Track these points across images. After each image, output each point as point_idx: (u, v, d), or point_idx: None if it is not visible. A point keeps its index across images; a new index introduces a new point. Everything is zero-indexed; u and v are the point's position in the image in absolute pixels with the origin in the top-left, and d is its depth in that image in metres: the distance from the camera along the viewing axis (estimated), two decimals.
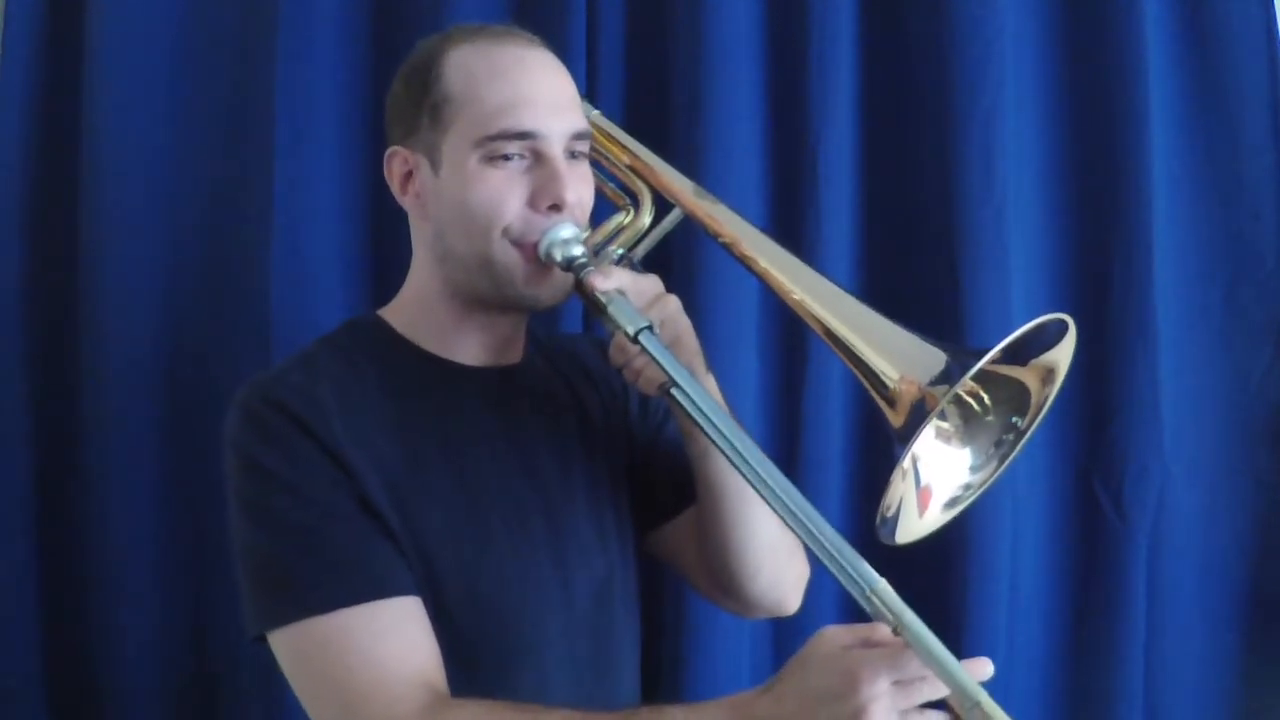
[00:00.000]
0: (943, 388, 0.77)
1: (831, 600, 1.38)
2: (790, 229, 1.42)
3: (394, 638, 0.86)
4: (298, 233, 1.39)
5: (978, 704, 0.68)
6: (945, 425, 0.90)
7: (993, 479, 0.91)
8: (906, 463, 0.87)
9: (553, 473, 1.02)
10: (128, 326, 1.42)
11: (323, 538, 0.88)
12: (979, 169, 1.41)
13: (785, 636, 1.44)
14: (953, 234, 1.42)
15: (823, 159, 1.43)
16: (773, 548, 1.04)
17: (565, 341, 1.21)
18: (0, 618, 1.43)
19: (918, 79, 1.47)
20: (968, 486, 0.91)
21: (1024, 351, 0.85)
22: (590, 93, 1.43)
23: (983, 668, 0.72)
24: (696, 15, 1.42)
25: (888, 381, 0.82)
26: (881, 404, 0.83)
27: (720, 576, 1.07)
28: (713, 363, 1.04)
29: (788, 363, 1.46)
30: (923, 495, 0.89)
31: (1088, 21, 1.48)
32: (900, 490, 0.87)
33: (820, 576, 1.07)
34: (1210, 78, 1.49)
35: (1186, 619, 1.47)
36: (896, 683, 0.71)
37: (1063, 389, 0.89)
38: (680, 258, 1.40)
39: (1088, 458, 1.47)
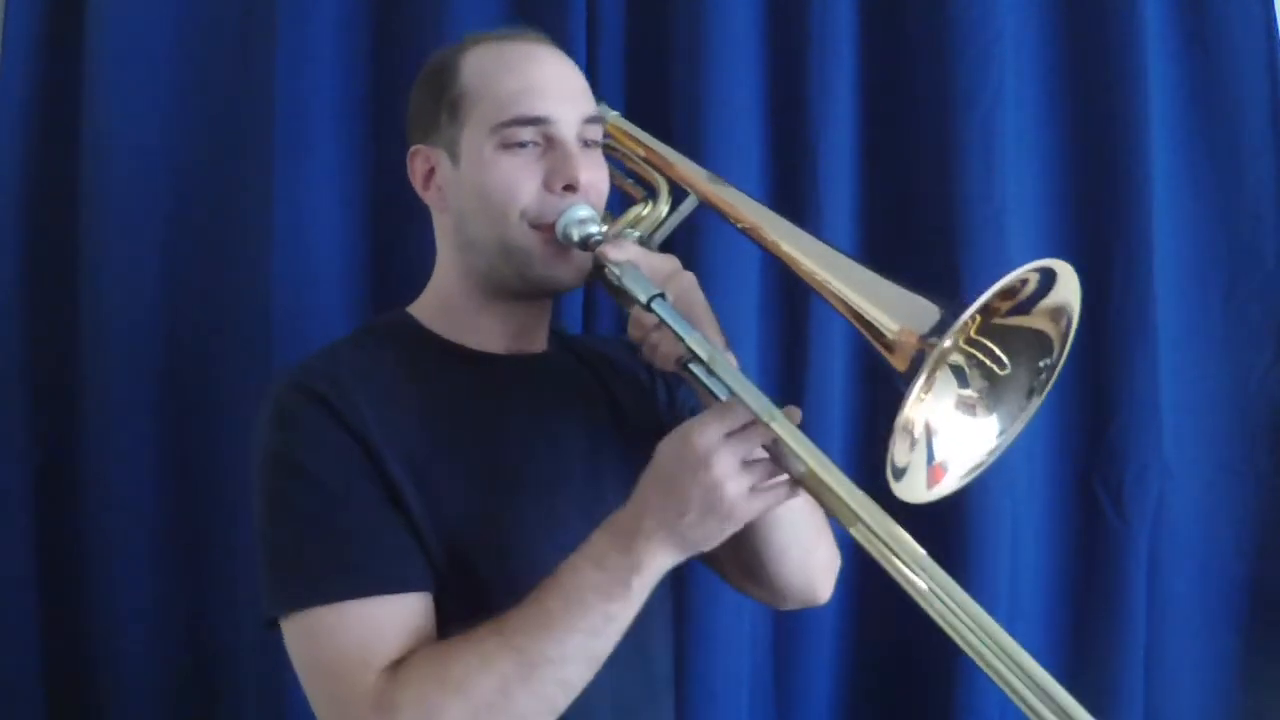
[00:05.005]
0: (935, 337, 0.81)
1: (839, 586, 1.37)
2: None
3: (388, 633, 0.87)
4: (298, 233, 1.39)
5: (774, 418, 0.80)
6: (969, 393, 0.90)
7: (1024, 425, 0.91)
8: (919, 433, 0.87)
9: (580, 455, 1.03)
10: (127, 327, 1.42)
11: (330, 528, 0.89)
12: (979, 169, 1.41)
13: (785, 621, 1.44)
14: (953, 234, 1.42)
15: (823, 159, 1.43)
16: (797, 525, 1.05)
17: (591, 340, 1.25)
18: (0, 618, 1.43)
19: (918, 79, 1.47)
20: (991, 451, 0.91)
21: (1027, 301, 0.86)
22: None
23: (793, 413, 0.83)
24: (696, 15, 1.42)
25: (889, 334, 0.85)
26: (886, 355, 0.85)
27: (749, 562, 1.07)
28: None
29: (789, 345, 1.46)
30: (935, 471, 0.88)
31: (1087, 22, 1.48)
32: (907, 451, 0.87)
33: None
34: (1210, 78, 1.49)
35: (1186, 619, 1.47)
36: (730, 434, 0.81)
37: (1078, 336, 0.88)
38: (679, 241, 1.39)
39: (1088, 458, 1.47)
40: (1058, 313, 0.87)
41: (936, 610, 0.76)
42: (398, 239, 1.43)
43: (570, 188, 0.97)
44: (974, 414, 0.90)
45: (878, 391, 1.45)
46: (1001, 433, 0.90)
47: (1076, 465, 1.48)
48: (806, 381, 1.44)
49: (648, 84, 1.47)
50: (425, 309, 1.07)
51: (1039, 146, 1.49)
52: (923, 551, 0.77)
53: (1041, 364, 0.89)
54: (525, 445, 1.00)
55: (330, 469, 0.90)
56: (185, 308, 1.45)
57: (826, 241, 0.99)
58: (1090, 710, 0.71)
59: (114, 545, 1.42)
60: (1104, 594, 1.45)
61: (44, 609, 1.44)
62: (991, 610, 1.39)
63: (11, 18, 1.45)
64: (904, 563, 0.77)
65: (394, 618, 0.88)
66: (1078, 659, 1.47)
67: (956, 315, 0.79)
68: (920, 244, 1.46)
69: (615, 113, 1.19)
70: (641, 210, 1.12)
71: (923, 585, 0.77)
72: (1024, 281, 0.83)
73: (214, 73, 1.46)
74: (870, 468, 1.42)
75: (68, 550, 1.44)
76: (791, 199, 1.44)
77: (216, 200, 1.46)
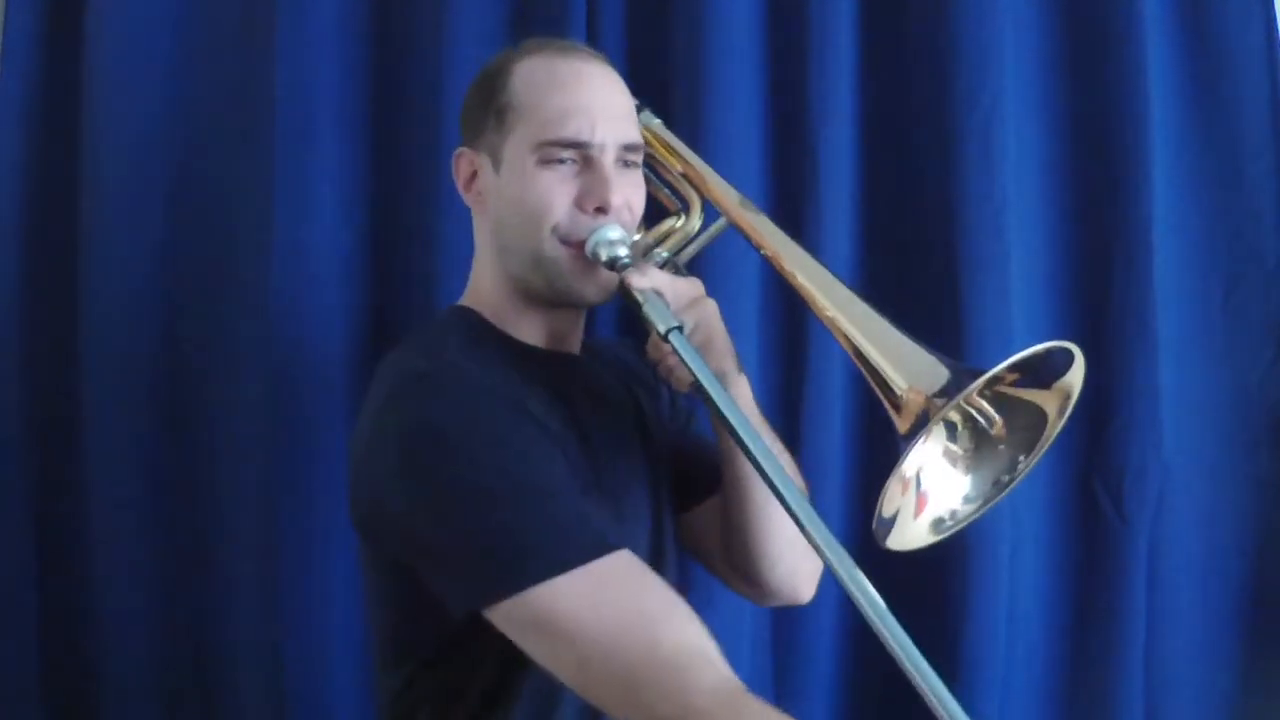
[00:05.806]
0: (942, 399, 0.82)
1: (833, 588, 1.37)
2: (789, 229, 1.41)
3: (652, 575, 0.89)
4: (298, 233, 1.39)
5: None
6: (955, 448, 0.92)
7: (979, 515, 0.94)
8: (909, 472, 0.88)
9: (610, 455, 1.05)
10: (127, 326, 1.43)
11: (569, 494, 0.91)
12: (979, 170, 1.41)
13: (784, 622, 1.44)
14: (953, 234, 1.42)
15: (823, 159, 1.43)
16: (792, 542, 1.08)
17: (606, 344, 1.27)
18: (0, 617, 1.43)
19: (917, 80, 1.46)
20: (954, 515, 0.94)
21: (1042, 374, 0.88)
22: None
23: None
24: (696, 14, 1.42)
25: (897, 390, 0.86)
26: (890, 410, 0.87)
27: (741, 565, 1.11)
28: None
29: (788, 366, 1.46)
30: (920, 500, 0.91)
31: (1087, 22, 1.48)
32: (898, 496, 0.90)
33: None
34: (1210, 78, 1.49)
35: (1186, 619, 1.47)
36: None
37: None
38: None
39: (1088, 458, 1.47)
40: (1065, 399, 0.89)
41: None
42: (398, 238, 1.43)
43: (601, 209, 0.99)
44: (955, 467, 0.94)
45: (876, 398, 1.45)
46: (966, 500, 0.93)
47: (1076, 465, 1.48)
48: (806, 386, 1.43)
49: (648, 84, 1.46)
50: (480, 305, 1.08)
51: (1039, 146, 1.49)
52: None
53: (1020, 459, 0.92)
54: (578, 440, 1.02)
55: (523, 443, 0.92)
56: (185, 306, 1.45)
57: (843, 281, 1.00)
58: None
59: (114, 546, 1.42)
60: (1104, 594, 1.45)
61: (44, 609, 1.44)
62: (991, 610, 1.40)
63: (11, 18, 1.45)
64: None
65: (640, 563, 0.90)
66: (1078, 659, 1.47)
67: (962, 384, 0.81)
68: (920, 244, 1.46)
69: (659, 121, 1.20)
70: (675, 223, 1.15)
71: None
72: (1038, 358, 0.85)
73: (214, 72, 1.46)
74: (868, 477, 1.43)
75: (68, 549, 1.44)
76: (791, 198, 1.44)
77: (216, 200, 1.46)
